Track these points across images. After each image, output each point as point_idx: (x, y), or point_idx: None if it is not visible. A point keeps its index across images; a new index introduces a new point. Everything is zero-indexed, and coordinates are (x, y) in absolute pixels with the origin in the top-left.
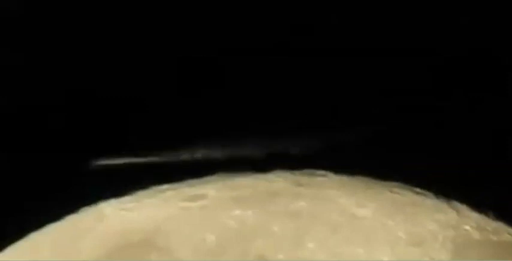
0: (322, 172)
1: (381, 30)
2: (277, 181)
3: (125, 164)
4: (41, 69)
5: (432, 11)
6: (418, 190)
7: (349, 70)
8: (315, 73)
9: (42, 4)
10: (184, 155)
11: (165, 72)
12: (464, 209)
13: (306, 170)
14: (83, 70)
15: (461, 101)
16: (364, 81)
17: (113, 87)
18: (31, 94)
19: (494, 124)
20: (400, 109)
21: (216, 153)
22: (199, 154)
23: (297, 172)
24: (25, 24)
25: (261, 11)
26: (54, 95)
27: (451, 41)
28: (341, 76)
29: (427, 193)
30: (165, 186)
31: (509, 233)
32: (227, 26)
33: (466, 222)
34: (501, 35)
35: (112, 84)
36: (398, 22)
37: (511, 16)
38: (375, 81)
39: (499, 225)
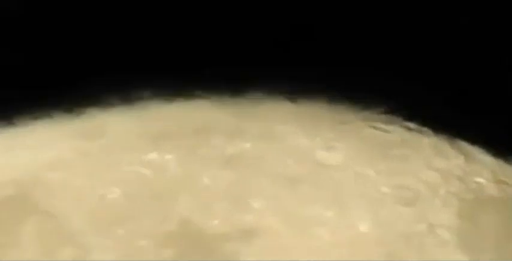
0: (273, 95)
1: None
2: (210, 111)
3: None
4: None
5: (432, 11)
6: (410, 124)
7: None
8: None
9: (42, 4)
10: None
11: None
12: (475, 152)
13: (249, 95)
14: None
15: None
16: None
17: None
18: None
19: None
20: None
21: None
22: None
23: (237, 97)
24: (25, 24)
25: None
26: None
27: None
28: None
29: (423, 129)
30: (48, 117)
31: None
32: None
33: (477, 171)
34: (501, 34)
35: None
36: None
37: (511, 16)
38: None
39: None
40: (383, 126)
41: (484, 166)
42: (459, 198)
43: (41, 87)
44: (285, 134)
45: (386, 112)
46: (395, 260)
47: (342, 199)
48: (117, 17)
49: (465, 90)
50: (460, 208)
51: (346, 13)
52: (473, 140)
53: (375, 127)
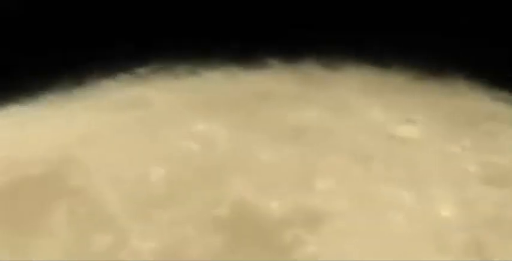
0: (345, 62)
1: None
2: (268, 78)
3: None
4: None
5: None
6: (499, 94)
7: None
8: None
9: (42, 4)
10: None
11: None
12: None
13: (313, 62)
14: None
15: None
16: None
17: None
18: None
19: None
20: None
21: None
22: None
23: (299, 65)
24: (25, 24)
25: None
26: None
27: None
28: None
29: None
30: (81, 88)
31: None
32: None
33: None
34: (501, 34)
35: None
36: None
37: (511, 15)
38: None
39: None
40: (468, 96)
41: None
42: None
43: (68, 55)
44: (357, 105)
45: (471, 81)
46: (482, 248)
47: (421, 179)
48: None
49: None
50: None
51: None
52: None
53: (459, 98)
